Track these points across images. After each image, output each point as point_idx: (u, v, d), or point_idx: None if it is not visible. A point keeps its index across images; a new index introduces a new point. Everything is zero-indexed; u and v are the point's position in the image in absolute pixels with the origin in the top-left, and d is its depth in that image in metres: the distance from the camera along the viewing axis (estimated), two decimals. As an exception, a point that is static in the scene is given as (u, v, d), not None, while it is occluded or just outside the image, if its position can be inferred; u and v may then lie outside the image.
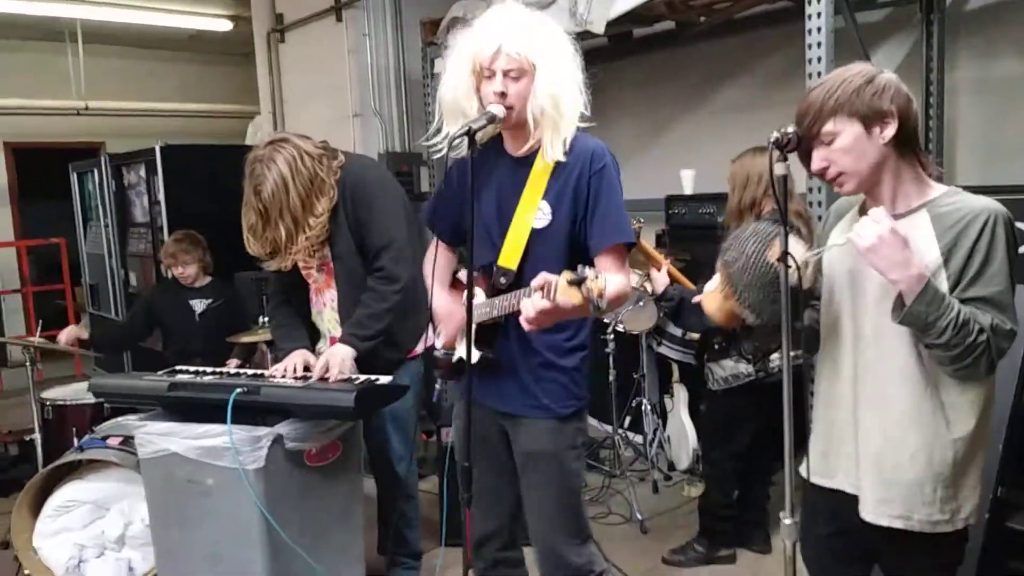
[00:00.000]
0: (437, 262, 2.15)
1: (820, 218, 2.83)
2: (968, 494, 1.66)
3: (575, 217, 1.95)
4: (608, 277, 1.67)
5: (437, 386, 2.24)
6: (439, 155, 1.96)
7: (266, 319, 3.88)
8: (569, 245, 1.96)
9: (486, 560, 2.24)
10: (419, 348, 2.85)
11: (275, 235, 2.51)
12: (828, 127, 1.61)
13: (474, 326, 1.97)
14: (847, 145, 1.61)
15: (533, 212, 1.95)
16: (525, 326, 1.76)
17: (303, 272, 2.76)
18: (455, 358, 2.12)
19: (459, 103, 1.95)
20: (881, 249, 1.53)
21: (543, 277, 1.66)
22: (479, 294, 2.04)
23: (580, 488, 2.17)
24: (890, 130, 1.60)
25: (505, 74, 1.88)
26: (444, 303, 2.19)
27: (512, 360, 2.04)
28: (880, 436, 1.67)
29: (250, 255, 2.68)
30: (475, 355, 1.97)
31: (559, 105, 1.89)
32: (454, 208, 2.14)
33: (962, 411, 1.63)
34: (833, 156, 1.63)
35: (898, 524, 1.66)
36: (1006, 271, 1.56)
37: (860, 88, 1.59)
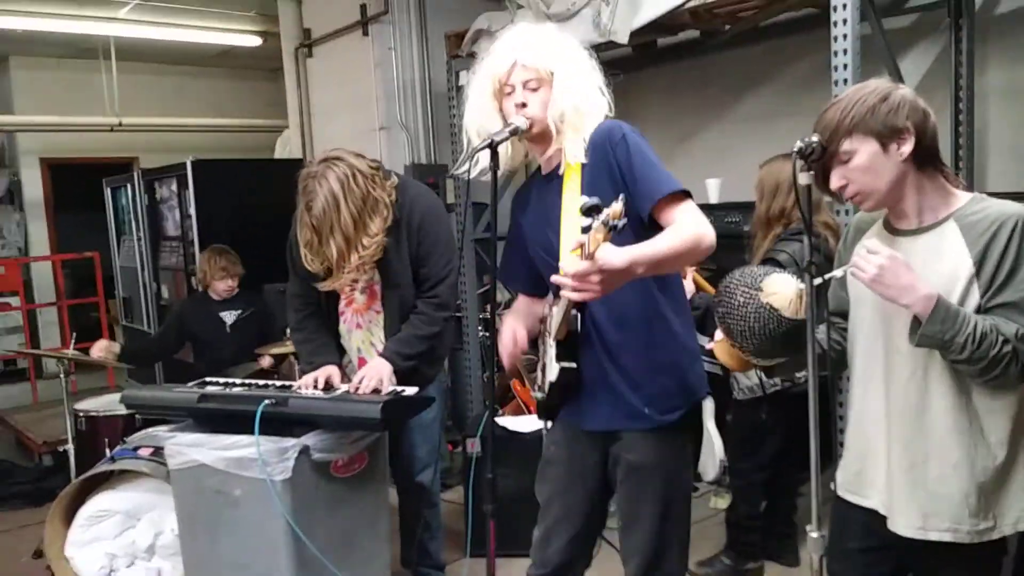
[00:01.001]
0: (520, 309, 2.15)
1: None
2: (1013, 500, 1.64)
3: (620, 194, 1.88)
4: (675, 225, 1.68)
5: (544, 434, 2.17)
6: (468, 176, 1.96)
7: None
8: (631, 225, 1.82)
9: None
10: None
11: (328, 252, 2.52)
12: (845, 146, 1.60)
13: (553, 343, 1.92)
14: (864, 164, 1.61)
15: (577, 210, 1.91)
16: (575, 296, 1.65)
17: (340, 291, 2.77)
18: (547, 387, 1.98)
19: (484, 127, 1.96)
20: (885, 278, 1.55)
21: (575, 240, 1.60)
22: (555, 311, 1.95)
23: (689, 497, 2.06)
24: (907, 146, 1.60)
25: (524, 85, 1.90)
26: (507, 329, 2.10)
27: (612, 367, 1.93)
28: (918, 450, 1.65)
29: (279, 267, 2.72)
30: (555, 370, 1.90)
31: (579, 109, 1.89)
32: (522, 256, 2.13)
33: (998, 416, 1.61)
34: (851, 175, 1.63)
35: (947, 537, 1.63)
36: None
37: (875, 106, 1.59)
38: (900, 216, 1.69)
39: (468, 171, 1.95)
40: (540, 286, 2.13)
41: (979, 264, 1.57)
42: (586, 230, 1.53)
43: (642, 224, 1.85)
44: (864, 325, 1.76)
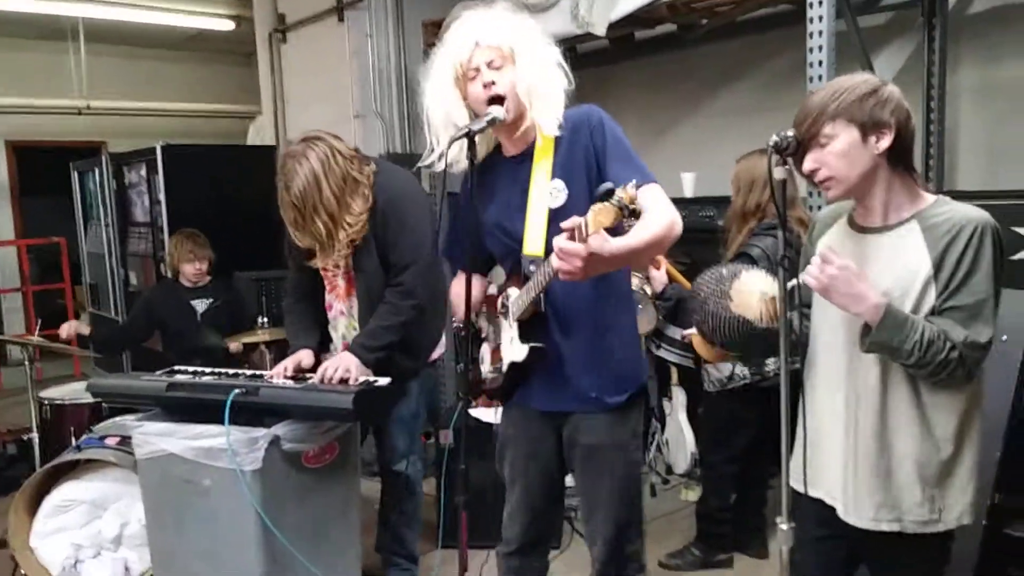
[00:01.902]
0: (468, 291, 2.10)
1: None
2: (957, 494, 1.68)
3: (590, 182, 1.88)
4: (648, 215, 1.67)
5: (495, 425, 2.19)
6: (437, 170, 1.94)
7: (265, 319, 3.89)
8: None
9: (523, 560, 2.18)
10: (434, 355, 2.90)
11: (314, 231, 2.52)
12: (827, 129, 1.62)
13: (513, 324, 1.94)
14: (841, 150, 1.63)
15: (545, 194, 1.91)
16: (564, 276, 1.66)
17: (324, 276, 2.77)
18: (505, 367, 2.01)
19: (450, 116, 1.94)
20: (837, 286, 1.59)
21: (572, 220, 1.59)
22: (513, 293, 1.97)
23: (639, 477, 2.11)
24: (885, 141, 1.62)
25: (489, 66, 1.88)
26: (455, 290, 2.13)
27: (567, 350, 1.96)
28: (866, 442, 1.70)
29: (250, 255, 2.69)
30: (523, 350, 1.92)
31: (546, 82, 1.89)
32: (468, 232, 2.11)
33: (944, 411, 1.66)
34: (826, 159, 1.65)
35: (894, 527, 1.69)
36: (989, 281, 1.60)
37: (865, 96, 1.61)
38: (867, 213, 1.72)
39: (435, 163, 1.94)
40: (481, 264, 2.13)
41: (937, 266, 1.61)
42: (601, 196, 1.53)
43: None
44: (827, 322, 1.79)
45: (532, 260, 1.90)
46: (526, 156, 1.97)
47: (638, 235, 1.72)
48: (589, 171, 1.89)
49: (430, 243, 2.66)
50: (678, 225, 1.82)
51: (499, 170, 2.03)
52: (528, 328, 1.93)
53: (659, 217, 1.78)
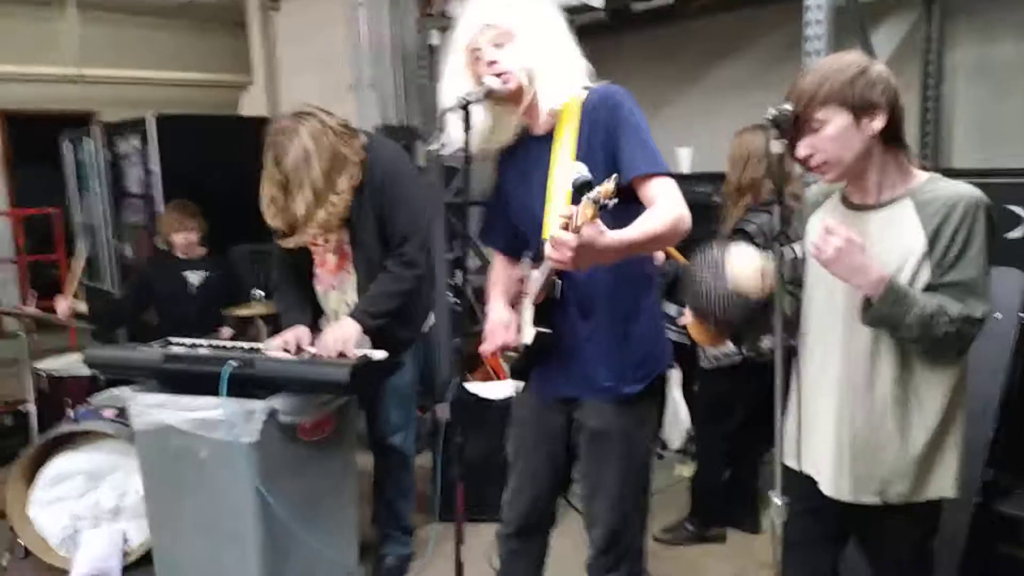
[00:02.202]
0: (500, 277, 2.13)
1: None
2: (944, 469, 1.71)
3: (607, 164, 1.82)
4: (655, 208, 1.68)
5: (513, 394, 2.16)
6: (445, 153, 1.93)
7: (263, 293, 3.88)
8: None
9: (523, 542, 2.18)
10: (424, 328, 2.90)
11: (294, 208, 2.48)
12: (819, 114, 1.63)
13: (531, 307, 1.94)
14: (834, 134, 1.63)
15: (567, 176, 1.85)
16: (555, 266, 1.66)
17: (313, 251, 2.76)
18: (522, 347, 2.01)
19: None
20: (841, 259, 1.59)
21: (566, 208, 1.57)
22: (534, 275, 1.95)
23: (650, 466, 2.05)
24: (878, 122, 1.63)
25: (493, 43, 1.87)
26: (499, 313, 2.09)
27: (581, 335, 1.93)
28: (854, 418, 1.72)
29: (245, 227, 2.68)
30: (531, 334, 1.93)
31: (550, 58, 1.87)
32: (503, 215, 2.11)
33: (932, 387, 1.68)
34: (820, 144, 1.65)
35: (876, 500, 1.72)
36: (983, 257, 1.62)
37: (854, 78, 1.61)
38: (861, 191, 1.73)
39: (441, 148, 1.93)
40: (518, 247, 2.12)
41: (931, 242, 1.62)
42: (575, 201, 1.51)
43: (632, 201, 1.83)
44: (819, 299, 1.80)
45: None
46: (548, 137, 1.95)
47: (639, 228, 1.69)
48: (607, 153, 1.85)
49: (424, 214, 2.69)
50: (684, 222, 1.78)
51: (529, 151, 2.00)
52: (541, 312, 1.92)
53: (663, 212, 1.75)
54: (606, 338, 1.92)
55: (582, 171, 1.77)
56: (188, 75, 8.40)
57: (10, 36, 7.84)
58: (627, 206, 1.74)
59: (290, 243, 2.60)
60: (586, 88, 1.91)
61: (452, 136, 1.91)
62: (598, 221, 1.53)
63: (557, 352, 1.95)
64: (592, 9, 3.82)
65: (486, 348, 2.06)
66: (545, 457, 2.10)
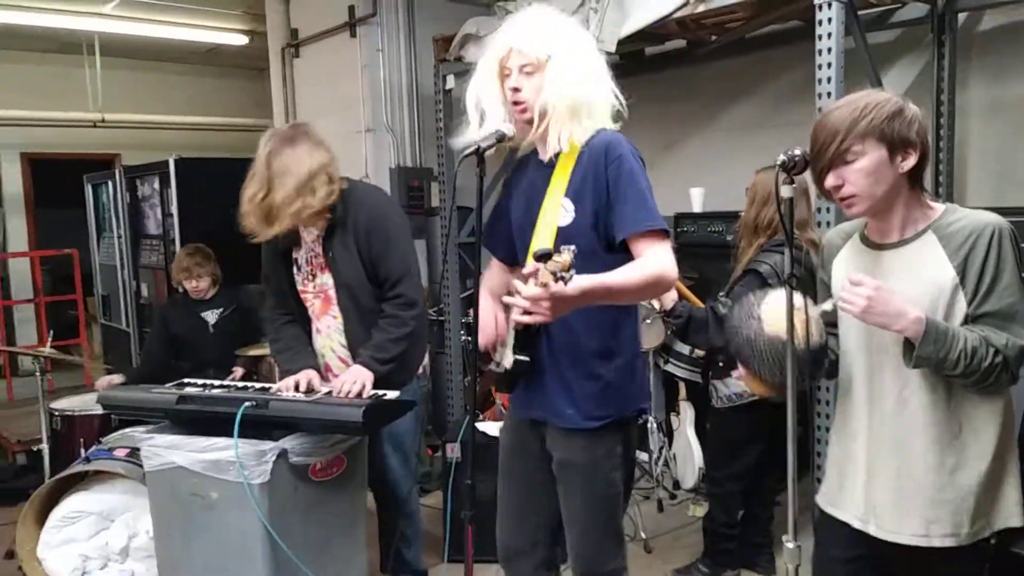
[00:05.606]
0: (494, 281, 2.19)
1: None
2: (1006, 501, 1.68)
3: (597, 211, 1.90)
4: (640, 260, 1.74)
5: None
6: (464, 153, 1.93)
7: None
8: (598, 241, 1.91)
9: (517, 568, 2.18)
10: (420, 369, 2.89)
11: (272, 198, 2.50)
12: (856, 147, 1.61)
13: (512, 330, 1.98)
14: (868, 168, 1.62)
15: (556, 210, 1.94)
16: (525, 319, 1.69)
17: (302, 296, 2.78)
18: (501, 369, 2.06)
19: (481, 104, 1.98)
20: (875, 308, 1.58)
21: (534, 264, 1.63)
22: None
23: (618, 497, 2.06)
24: (911, 160, 1.63)
25: (520, 70, 1.91)
26: (487, 311, 2.13)
27: (551, 366, 1.99)
28: (911, 460, 1.68)
29: (259, 268, 2.70)
30: (510, 359, 1.97)
31: (570, 99, 1.89)
32: (505, 226, 2.15)
33: (982, 422, 1.66)
34: (850, 176, 1.64)
35: (949, 542, 1.67)
36: (1017, 282, 1.61)
37: (894, 115, 1.61)
38: (883, 230, 1.72)
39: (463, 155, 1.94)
40: (516, 255, 2.16)
41: (961, 274, 1.61)
42: (538, 258, 1.59)
43: (611, 247, 1.90)
44: (849, 336, 1.79)
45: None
46: (551, 165, 1.99)
47: (617, 275, 1.74)
48: (598, 200, 1.89)
49: (414, 253, 2.74)
50: (667, 277, 1.82)
51: (533, 175, 2.06)
52: (522, 337, 1.98)
53: (645, 265, 1.80)
54: (572, 374, 1.97)
55: (567, 209, 1.90)
56: (209, 119, 8.56)
57: (36, 82, 8.06)
58: (625, 258, 1.85)
59: (268, 233, 2.56)
60: (599, 130, 1.94)
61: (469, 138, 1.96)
62: (564, 278, 1.58)
63: (533, 375, 2.00)
64: (606, 53, 3.86)
65: (482, 342, 2.10)
66: (521, 474, 2.14)
